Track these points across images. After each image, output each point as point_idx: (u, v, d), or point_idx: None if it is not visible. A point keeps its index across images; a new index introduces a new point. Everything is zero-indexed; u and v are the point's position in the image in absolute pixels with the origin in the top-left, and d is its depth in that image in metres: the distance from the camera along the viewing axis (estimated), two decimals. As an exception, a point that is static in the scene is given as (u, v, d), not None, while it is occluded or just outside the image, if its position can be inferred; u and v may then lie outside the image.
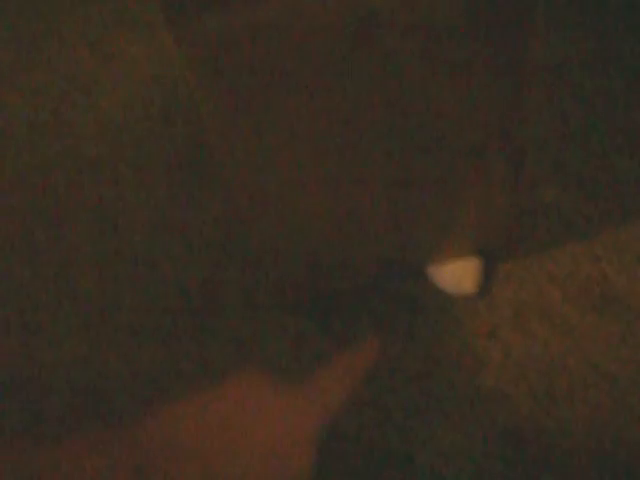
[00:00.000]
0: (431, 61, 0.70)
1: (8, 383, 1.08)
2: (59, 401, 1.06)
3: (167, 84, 1.35)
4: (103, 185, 1.25)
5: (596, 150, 1.19)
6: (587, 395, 1.03)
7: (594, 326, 1.07)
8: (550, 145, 1.19)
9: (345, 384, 0.32)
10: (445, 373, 1.04)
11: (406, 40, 0.68)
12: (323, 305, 1.10)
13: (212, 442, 0.27)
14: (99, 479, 0.23)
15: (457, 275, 1.06)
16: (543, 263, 1.11)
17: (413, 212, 0.95)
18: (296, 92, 0.72)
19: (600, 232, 1.13)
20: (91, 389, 1.06)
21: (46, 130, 1.32)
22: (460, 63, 0.72)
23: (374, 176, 0.87)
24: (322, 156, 0.83)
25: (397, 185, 0.89)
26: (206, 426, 0.27)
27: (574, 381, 1.04)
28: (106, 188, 1.25)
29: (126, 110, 1.32)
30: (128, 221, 1.21)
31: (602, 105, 1.22)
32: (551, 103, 1.22)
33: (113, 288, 1.16)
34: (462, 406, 1.03)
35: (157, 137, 1.29)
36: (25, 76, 1.38)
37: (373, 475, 0.99)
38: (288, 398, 0.30)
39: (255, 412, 0.29)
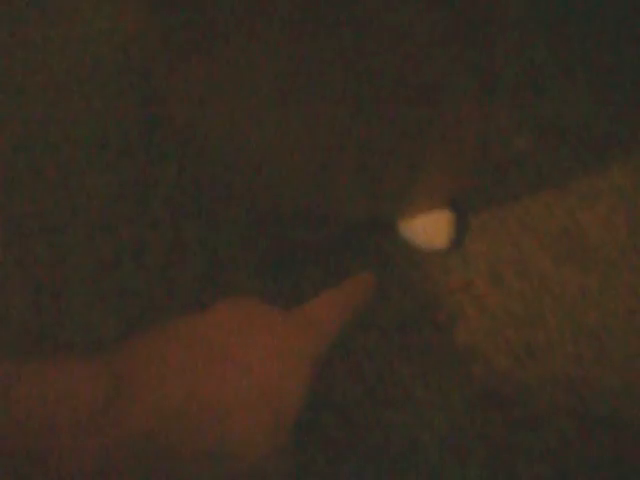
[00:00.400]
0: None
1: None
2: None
3: (118, 41, 1.26)
4: (52, 146, 1.16)
5: (570, 99, 1.14)
6: (566, 349, 0.99)
7: (570, 278, 1.03)
8: (524, 93, 1.14)
9: (339, 311, 0.32)
10: (419, 330, 0.99)
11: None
12: (290, 265, 1.04)
13: (196, 363, 0.25)
14: (77, 387, 0.22)
15: (429, 229, 1.01)
16: (517, 215, 1.06)
17: (382, 163, 0.89)
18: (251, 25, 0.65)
19: (575, 182, 1.09)
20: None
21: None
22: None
23: (339, 124, 0.81)
24: (284, 104, 0.76)
25: (365, 135, 0.84)
26: (189, 347, 0.26)
27: (552, 335, 1.00)
28: (55, 149, 1.16)
29: (76, 68, 1.23)
30: (79, 183, 1.13)
31: (577, 53, 1.18)
32: (525, 50, 1.18)
33: (65, 252, 1.08)
34: (438, 364, 0.98)
35: (109, 95, 1.20)
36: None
37: (345, 438, 0.93)
38: (278, 320, 0.29)
39: (242, 333, 0.28)
